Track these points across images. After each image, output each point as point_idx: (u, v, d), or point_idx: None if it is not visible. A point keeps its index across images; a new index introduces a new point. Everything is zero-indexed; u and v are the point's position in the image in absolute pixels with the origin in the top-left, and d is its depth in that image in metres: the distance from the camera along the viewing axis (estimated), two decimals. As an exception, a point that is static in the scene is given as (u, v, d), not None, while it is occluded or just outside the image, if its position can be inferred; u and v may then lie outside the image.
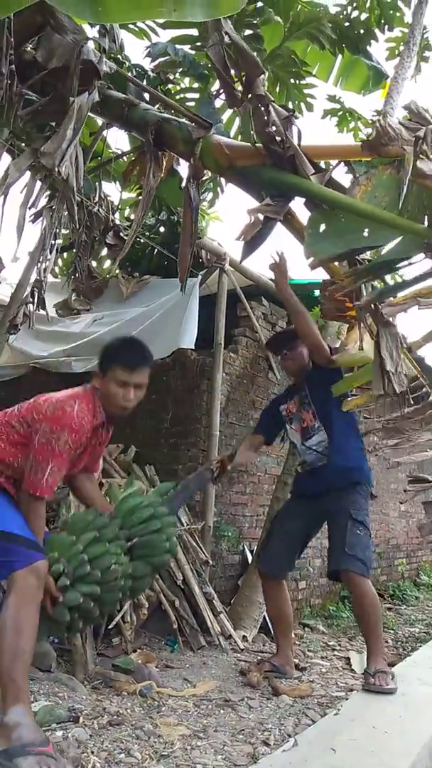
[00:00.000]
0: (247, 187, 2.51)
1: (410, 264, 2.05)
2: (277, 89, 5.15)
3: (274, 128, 2.28)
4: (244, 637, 3.74)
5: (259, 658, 3.37)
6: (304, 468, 3.27)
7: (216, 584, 3.95)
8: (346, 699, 2.68)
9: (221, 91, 4.08)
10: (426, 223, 1.93)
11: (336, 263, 2.38)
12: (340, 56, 5.26)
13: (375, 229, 1.96)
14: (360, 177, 2.12)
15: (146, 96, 3.17)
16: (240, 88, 2.54)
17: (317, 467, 3.18)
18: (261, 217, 2.36)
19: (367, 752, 1.98)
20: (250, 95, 2.35)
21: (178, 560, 3.61)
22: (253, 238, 2.43)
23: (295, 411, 3.31)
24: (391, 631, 4.71)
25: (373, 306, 2.17)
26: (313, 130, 5.64)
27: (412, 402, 2.30)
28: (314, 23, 4.87)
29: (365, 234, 1.97)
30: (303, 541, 3.28)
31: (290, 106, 5.21)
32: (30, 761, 1.68)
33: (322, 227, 2.06)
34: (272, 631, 3.51)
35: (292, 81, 5.07)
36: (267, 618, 3.98)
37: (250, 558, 4.29)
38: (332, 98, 5.27)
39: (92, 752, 1.90)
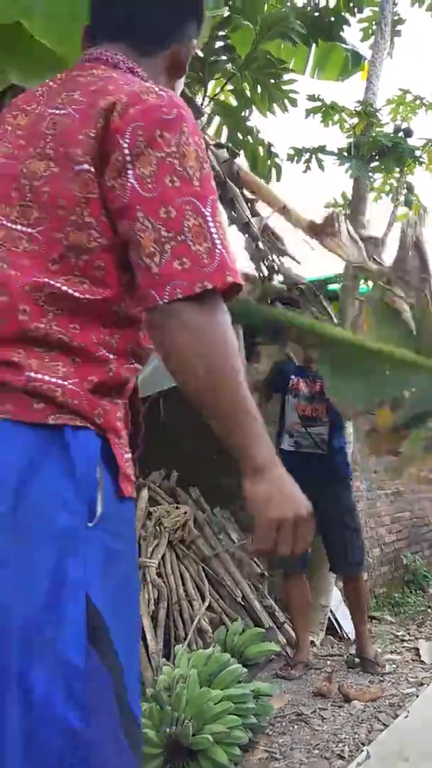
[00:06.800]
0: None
1: None
2: (258, 91, 5.17)
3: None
4: (312, 642, 3.79)
5: (329, 667, 3.43)
6: (297, 449, 3.50)
7: (276, 594, 4.01)
8: (417, 696, 2.72)
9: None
10: None
11: None
12: (314, 45, 5.24)
13: (396, 367, 1.81)
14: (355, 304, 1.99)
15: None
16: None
17: (308, 454, 3.47)
18: None
19: (440, 756, 2.02)
20: None
21: (234, 577, 3.68)
22: None
23: (306, 392, 3.54)
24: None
25: None
26: (300, 127, 5.65)
27: None
28: (283, 22, 4.87)
29: (387, 373, 1.84)
30: None
31: (274, 106, 5.21)
32: None
33: (341, 369, 1.94)
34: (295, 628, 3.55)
35: (272, 81, 5.08)
36: (333, 617, 4.03)
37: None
38: (312, 97, 5.26)
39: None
